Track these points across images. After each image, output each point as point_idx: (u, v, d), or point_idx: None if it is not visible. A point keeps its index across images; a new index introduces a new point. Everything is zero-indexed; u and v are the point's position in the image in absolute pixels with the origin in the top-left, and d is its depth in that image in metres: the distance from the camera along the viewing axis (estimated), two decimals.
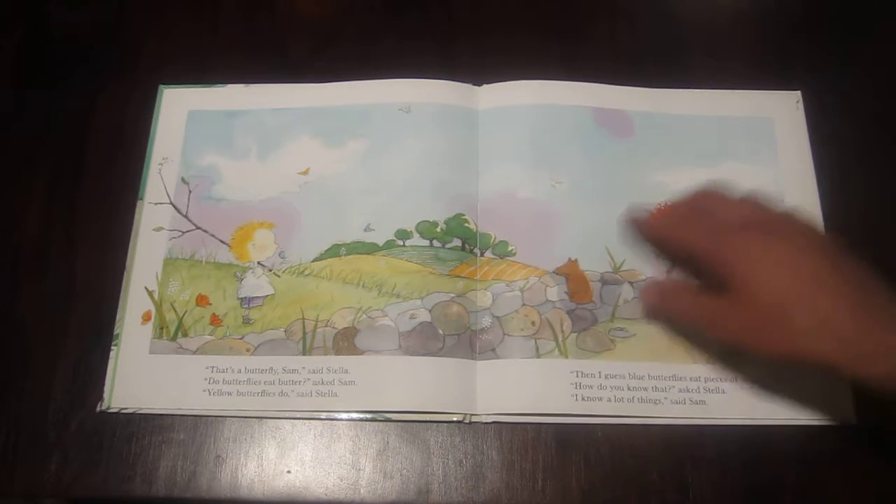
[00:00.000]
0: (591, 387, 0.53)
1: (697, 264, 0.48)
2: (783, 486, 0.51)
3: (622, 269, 0.56)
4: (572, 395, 0.52)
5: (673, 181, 0.58)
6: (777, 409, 0.52)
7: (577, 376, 0.53)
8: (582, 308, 0.55)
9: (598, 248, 0.57)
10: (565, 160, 0.59)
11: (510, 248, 0.57)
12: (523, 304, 0.55)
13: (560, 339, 0.54)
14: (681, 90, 0.62)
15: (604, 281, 0.56)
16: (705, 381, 0.53)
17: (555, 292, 0.55)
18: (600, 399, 0.52)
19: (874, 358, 0.41)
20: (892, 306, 0.43)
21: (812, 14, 0.65)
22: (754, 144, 0.60)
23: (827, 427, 0.51)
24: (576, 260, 0.56)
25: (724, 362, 0.53)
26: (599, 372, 0.53)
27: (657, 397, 0.53)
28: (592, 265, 0.56)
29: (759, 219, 0.47)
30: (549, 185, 0.58)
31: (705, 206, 0.49)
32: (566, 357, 0.54)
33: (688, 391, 0.53)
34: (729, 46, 0.64)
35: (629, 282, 0.56)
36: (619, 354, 0.54)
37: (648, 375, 0.53)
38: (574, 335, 0.55)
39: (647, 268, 0.56)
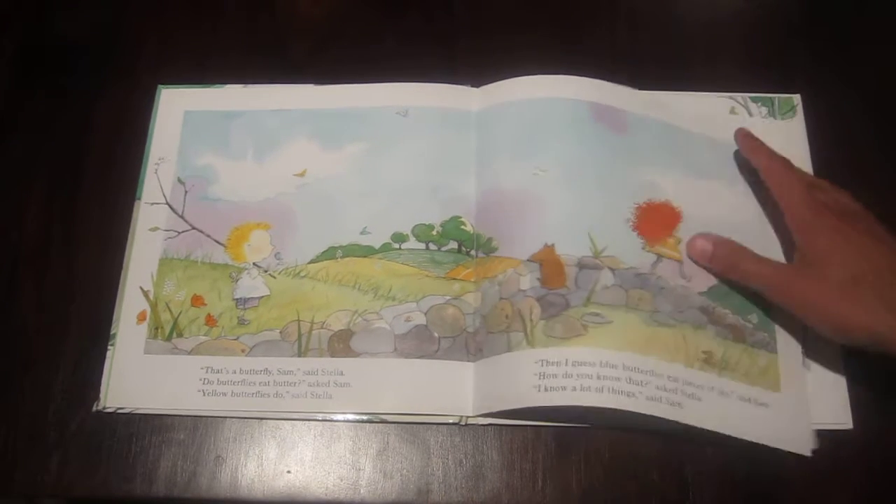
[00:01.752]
0: (555, 376, 0.50)
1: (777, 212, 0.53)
2: (783, 487, 0.50)
3: (604, 254, 0.54)
4: (535, 387, 0.50)
5: (659, 183, 0.57)
6: (747, 429, 0.50)
7: (542, 365, 0.50)
8: (553, 293, 0.53)
9: (579, 232, 0.54)
10: (553, 148, 0.57)
11: (494, 244, 0.56)
12: (500, 299, 0.54)
13: (528, 328, 0.52)
14: (681, 93, 0.61)
15: (581, 265, 0.53)
16: (684, 384, 0.51)
17: (527, 280, 0.53)
18: (564, 388, 0.49)
19: None
20: None
21: (812, 16, 0.64)
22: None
23: (825, 430, 0.51)
24: (552, 245, 0.54)
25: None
26: (566, 359, 0.50)
27: (631, 390, 0.49)
28: (570, 250, 0.54)
29: (845, 206, 0.52)
30: (531, 173, 0.56)
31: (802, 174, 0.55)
32: (532, 347, 0.51)
33: (665, 390, 0.50)
34: (729, 48, 0.63)
35: (610, 268, 0.53)
36: (589, 341, 0.51)
37: (623, 366, 0.50)
38: (542, 322, 0.52)
39: (630, 257, 0.54)
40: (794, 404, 0.52)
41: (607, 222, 0.55)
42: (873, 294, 0.47)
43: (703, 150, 0.59)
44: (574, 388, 0.49)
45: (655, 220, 0.56)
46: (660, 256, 0.55)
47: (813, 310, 0.49)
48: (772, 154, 0.55)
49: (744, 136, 0.57)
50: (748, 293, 0.53)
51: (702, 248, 0.54)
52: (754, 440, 0.50)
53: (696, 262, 0.54)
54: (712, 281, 0.54)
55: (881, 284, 0.47)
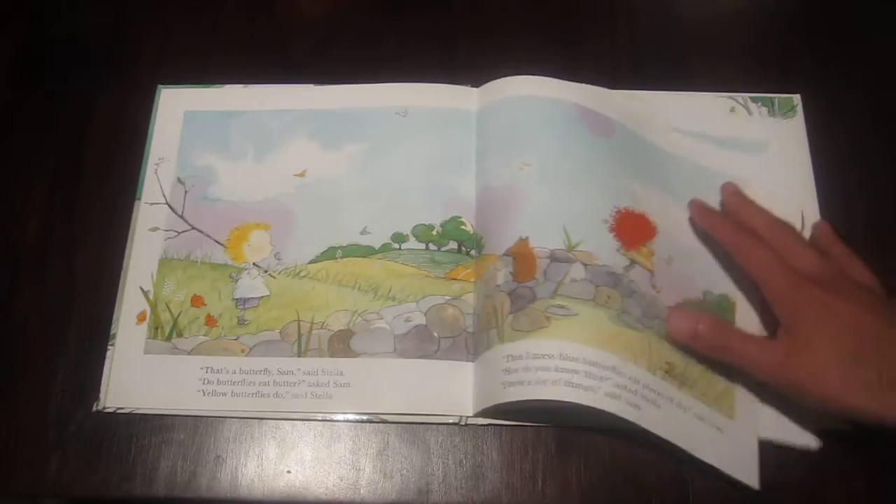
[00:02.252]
0: (517, 370, 0.49)
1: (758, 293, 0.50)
2: (783, 487, 0.50)
3: (577, 248, 0.53)
4: (501, 384, 0.49)
5: (645, 195, 0.56)
6: (701, 447, 0.49)
7: (508, 360, 0.49)
8: (523, 286, 0.52)
9: (554, 225, 0.53)
10: (539, 144, 0.57)
11: (483, 242, 0.56)
12: (485, 297, 0.54)
13: (500, 323, 0.51)
14: (679, 93, 0.61)
15: (553, 258, 0.52)
16: (644, 388, 0.48)
17: (502, 275, 0.53)
18: (522, 383, 0.48)
19: None
20: None
21: (812, 16, 0.64)
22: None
23: (826, 431, 0.51)
24: (526, 238, 0.53)
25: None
26: (527, 352, 0.49)
27: (590, 384, 0.47)
28: (544, 242, 0.53)
29: (825, 273, 0.49)
30: (517, 167, 0.56)
31: (779, 241, 0.51)
32: (502, 342, 0.51)
33: (626, 389, 0.48)
34: (729, 48, 0.63)
35: (583, 263, 0.52)
36: (551, 333, 0.49)
37: (583, 359, 0.48)
38: (511, 316, 0.51)
39: (605, 256, 0.52)
40: (745, 435, 0.51)
41: (585, 219, 0.54)
42: (871, 372, 0.45)
43: (686, 175, 0.58)
44: (531, 382, 0.48)
45: (632, 228, 0.55)
46: (633, 262, 0.53)
47: (805, 391, 0.46)
48: (737, 229, 0.52)
49: (697, 208, 0.55)
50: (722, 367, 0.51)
51: (686, 329, 0.50)
52: (705, 460, 0.49)
53: (677, 341, 0.50)
54: (681, 297, 0.53)
55: (878, 361, 0.45)
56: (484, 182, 0.57)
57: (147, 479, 0.51)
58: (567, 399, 0.47)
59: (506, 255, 0.53)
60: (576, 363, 0.48)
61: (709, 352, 0.50)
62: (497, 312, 0.52)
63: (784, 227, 0.53)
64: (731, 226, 0.53)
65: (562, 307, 0.50)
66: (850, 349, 0.45)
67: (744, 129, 0.60)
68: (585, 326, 0.50)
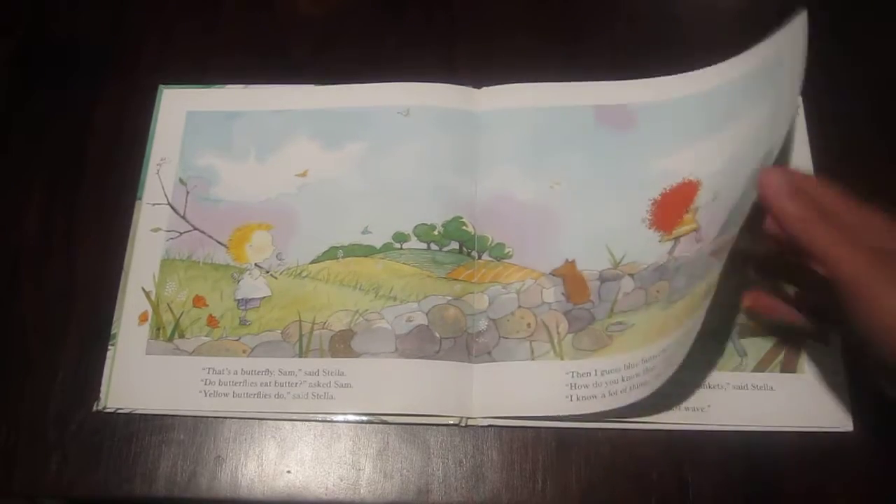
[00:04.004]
0: (586, 386, 0.52)
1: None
2: (783, 488, 0.50)
3: (622, 263, 0.56)
4: (567, 397, 0.52)
5: (675, 167, 0.57)
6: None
7: (573, 377, 0.52)
8: (579, 308, 0.55)
9: (597, 247, 0.56)
10: (564, 160, 0.59)
11: (507, 251, 0.56)
12: (519, 307, 0.55)
13: (555, 340, 0.54)
14: (682, 74, 0.61)
15: (602, 279, 0.55)
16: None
17: (551, 294, 0.55)
18: (595, 397, 0.52)
19: None
20: None
21: (812, 16, 0.64)
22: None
23: (825, 432, 0.51)
24: (573, 261, 0.56)
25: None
26: (595, 370, 0.52)
27: (647, 380, 0.50)
28: (591, 265, 0.56)
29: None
30: (547, 186, 0.58)
31: (832, 207, 0.44)
32: (561, 359, 0.53)
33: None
34: (729, 48, 0.63)
35: (629, 274, 0.55)
36: (615, 349, 0.53)
37: (641, 360, 0.51)
38: (570, 336, 0.54)
39: (648, 255, 0.55)
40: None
41: (623, 229, 0.56)
42: None
43: (720, 102, 0.58)
44: (604, 395, 0.51)
45: (671, 206, 0.57)
46: (677, 238, 0.55)
47: (874, 322, 0.40)
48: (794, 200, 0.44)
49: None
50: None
51: (776, 185, 0.43)
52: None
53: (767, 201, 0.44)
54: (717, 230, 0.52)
55: None
56: (499, 191, 0.58)
57: (147, 479, 0.51)
58: (631, 401, 0.50)
59: (553, 274, 0.56)
60: (636, 368, 0.51)
61: (793, 225, 0.43)
62: (549, 329, 0.54)
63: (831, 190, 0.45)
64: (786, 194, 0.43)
65: (619, 323, 0.54)
66: None
67: None
68: (640, 331, 0.53)
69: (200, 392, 0.53)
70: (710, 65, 0.61)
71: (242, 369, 0.53)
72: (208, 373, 0.53)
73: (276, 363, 0.53)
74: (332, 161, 0.59)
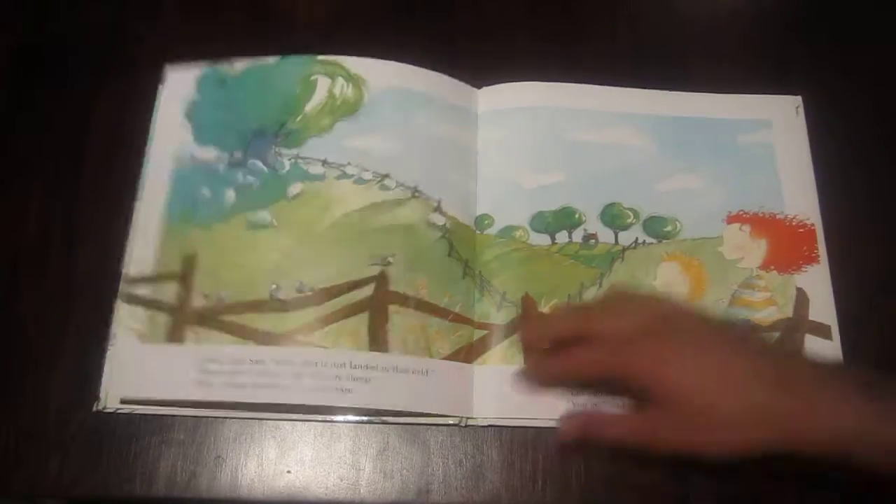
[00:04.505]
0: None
1: (610, 385, 0.47)
2: (784, 489, 0.50)
3: None
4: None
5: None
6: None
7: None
8: None
9: None
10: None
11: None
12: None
13: None
14: (681, 93, 0.61)
15: None
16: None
17: None
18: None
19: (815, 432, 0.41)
20: (806, 381, 0.42)
21: (812, 16, 0.64)
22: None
23: None
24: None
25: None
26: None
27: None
28: None
29: (657, 321, 0.45)
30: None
31: (591, 327, 0.47)
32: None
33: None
34: (729, 50, 0.64)
35: None
36: None
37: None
38: None
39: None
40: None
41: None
42: (755, 410, 0.41)
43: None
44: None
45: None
46: None
47: (698, 446, 0.43)
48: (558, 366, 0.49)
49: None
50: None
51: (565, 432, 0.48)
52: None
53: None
54: None
55: (757, 394, 0.41)
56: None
57: (147, 479, 0.51)
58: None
59: None
60: None
61: (603, 442, 0.46)
62: None
63: (588, 308, 0.51)
64: (544, 375, 0.50)
65: None
66: (708, 388, 0.42)
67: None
68: None
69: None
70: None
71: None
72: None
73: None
74: None
